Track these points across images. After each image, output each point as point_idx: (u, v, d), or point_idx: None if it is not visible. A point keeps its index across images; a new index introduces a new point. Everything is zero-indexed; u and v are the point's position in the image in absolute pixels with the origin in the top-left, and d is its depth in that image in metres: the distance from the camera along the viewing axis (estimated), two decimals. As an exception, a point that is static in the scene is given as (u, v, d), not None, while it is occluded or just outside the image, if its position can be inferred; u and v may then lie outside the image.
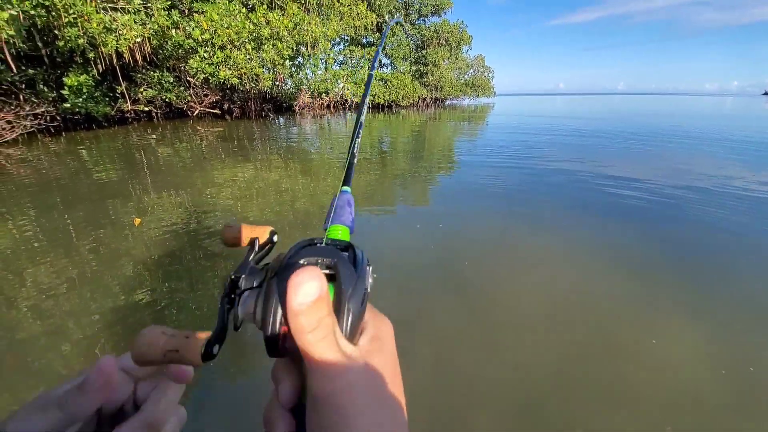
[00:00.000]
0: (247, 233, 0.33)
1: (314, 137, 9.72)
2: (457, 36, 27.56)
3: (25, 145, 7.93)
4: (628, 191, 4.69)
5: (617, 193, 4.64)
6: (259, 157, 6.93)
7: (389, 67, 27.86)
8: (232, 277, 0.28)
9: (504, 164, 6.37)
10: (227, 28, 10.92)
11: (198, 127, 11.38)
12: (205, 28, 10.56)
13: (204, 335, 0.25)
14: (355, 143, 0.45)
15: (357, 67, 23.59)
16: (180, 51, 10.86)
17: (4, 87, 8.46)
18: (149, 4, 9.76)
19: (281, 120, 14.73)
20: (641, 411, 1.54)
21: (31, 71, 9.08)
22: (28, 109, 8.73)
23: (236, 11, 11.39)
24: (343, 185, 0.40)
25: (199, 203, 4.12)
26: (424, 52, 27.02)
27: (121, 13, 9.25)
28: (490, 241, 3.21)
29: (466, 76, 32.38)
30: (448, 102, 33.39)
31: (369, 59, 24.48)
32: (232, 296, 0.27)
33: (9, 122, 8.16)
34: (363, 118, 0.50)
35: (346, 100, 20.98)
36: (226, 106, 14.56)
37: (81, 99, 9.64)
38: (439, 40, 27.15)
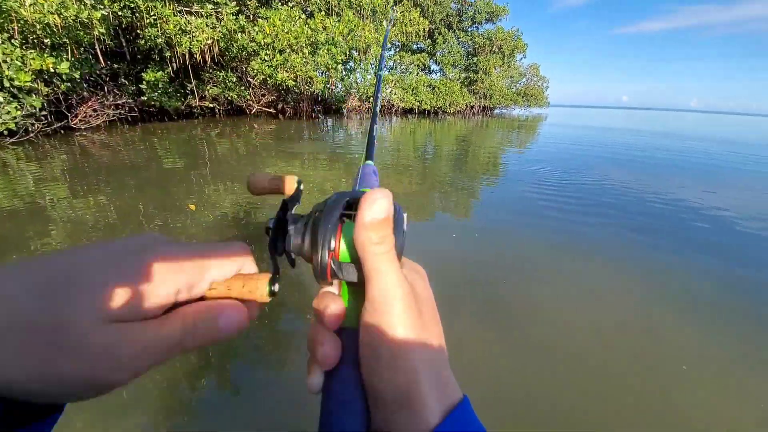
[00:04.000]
0: (273, 181, 0.36)
1: (358, 141, 9.92)
2: (511, 44, 26.74)
3: (107, 131, 8.94)
4: (707, 224, 4.09)
5: (698, 226, 4.01)
6: (306, 155, 7.20)
7: (438, 74, 27.74)
8: (279, 215, 0.30)
9: (557, 179, 5.95)
10: (287, 32, 11.54)
11: (254, 125, 12.11)
12: (268, 32, 11.24)
13: (265, 277, 0.26)
14: (374, 128, 0.57)
15: (406, 73, 23.79)
16: (243, 53, 11.66)
17: (92, 78, 9.64)
18: (219, 9, 10.62)
19: (329, 122, 15.23)
20: None
21: (115, 66, 10.27)
22: (111, 99, 9.87)
23: (296, 17, 12.02)
24: (366, 160, 0.44)
25: (248, 194, 4.36)
26: (475, 59, 26.54)
27: (194, 16, 10.16)
28: (532, 262, 3.01)
29: (518, 85, 31.34)
30: (497, 111, 32.49)
31: (418, 65, 24.60)
32: (278, 236, 0.29)
33: (95, 110, 9.30)
34: (377, 117, 0.63)
35: (392, 105, 21.20)
36: (280, 106, 15.36)
37: (156, 93, 10.70)
38: (492, 47, 26.53)
